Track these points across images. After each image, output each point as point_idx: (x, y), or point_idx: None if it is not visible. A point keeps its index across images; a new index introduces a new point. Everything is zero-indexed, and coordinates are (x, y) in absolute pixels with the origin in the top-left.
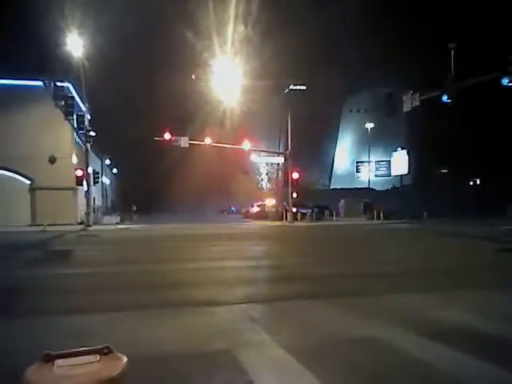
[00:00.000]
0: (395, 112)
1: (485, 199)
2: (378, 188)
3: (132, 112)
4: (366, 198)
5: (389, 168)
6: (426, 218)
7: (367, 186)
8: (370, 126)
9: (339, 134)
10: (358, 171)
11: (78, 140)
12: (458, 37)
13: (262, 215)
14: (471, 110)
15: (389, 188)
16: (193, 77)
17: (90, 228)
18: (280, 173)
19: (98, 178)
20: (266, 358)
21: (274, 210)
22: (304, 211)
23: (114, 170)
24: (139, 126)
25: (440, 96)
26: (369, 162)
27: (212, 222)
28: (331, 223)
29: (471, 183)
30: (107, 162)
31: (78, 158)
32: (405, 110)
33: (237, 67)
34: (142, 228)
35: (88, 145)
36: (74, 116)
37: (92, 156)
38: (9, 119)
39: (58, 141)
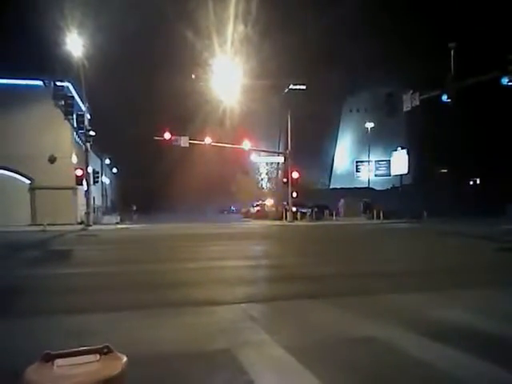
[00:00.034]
0: (395, 112)
1: (485, 199)
2: (377, 188)
3: (132, 112)
4: (366, 198)
5: (389, 168)
6: (426, 217)
7: (367, 185)
8: (369, 125)
9: (339, 133)
10: (357, 171)
11: (77, 140)
12: (457, 36)
13: (262, 215)
14: (471, 110)
15: (389, 188)
16: (193, 76)
17: (90, 228)
18: (280, 172)
19: (98, 177)
20: (266, 357)
21: (273, 209)
22: (304, 211)
23: (114, 170)
24: (139, 125)
25: (440, 96)
26: (369, 161)
27: (212, 221)
28: (331, 223)
29: (471, 183)
30: (107, 161)
31: (77, 157)
32: (405, 109)
33: (237, 67)
34: (142, 228)
35: (88, 144)
36: (74, 116)
37: (92, 156)
38: (9, 119)
39: (58, 140)
